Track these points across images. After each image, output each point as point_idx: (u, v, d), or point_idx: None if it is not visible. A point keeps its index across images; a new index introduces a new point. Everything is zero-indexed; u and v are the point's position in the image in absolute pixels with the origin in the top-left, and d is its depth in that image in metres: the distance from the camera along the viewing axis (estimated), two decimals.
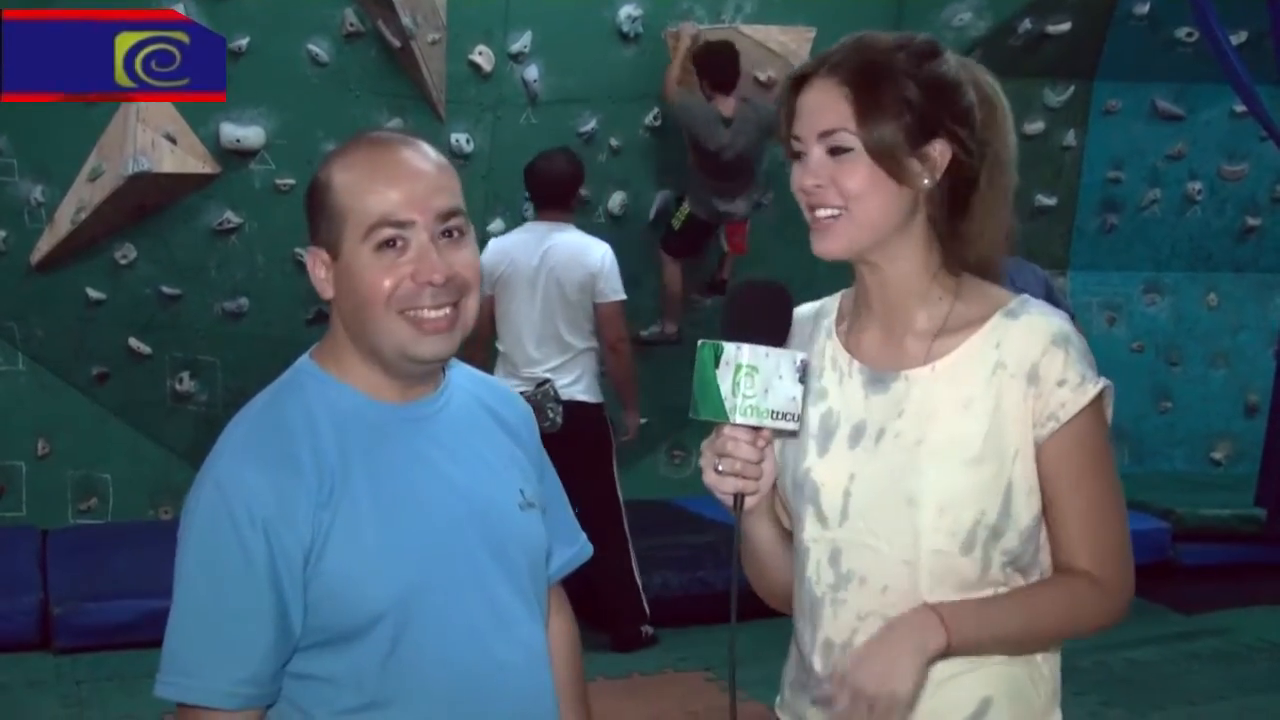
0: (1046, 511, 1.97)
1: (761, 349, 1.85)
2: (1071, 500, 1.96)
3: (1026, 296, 2.02)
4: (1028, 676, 2.01)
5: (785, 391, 1.86)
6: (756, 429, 1.88)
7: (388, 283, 1.92)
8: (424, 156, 1.98)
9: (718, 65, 7.15)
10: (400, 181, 1.93)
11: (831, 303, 2.14)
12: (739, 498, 1.92)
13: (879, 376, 2.01)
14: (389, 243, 1.92)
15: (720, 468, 1.91)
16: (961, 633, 1.90)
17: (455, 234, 1.96)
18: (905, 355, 2.01)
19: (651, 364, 7.91)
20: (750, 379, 1.85)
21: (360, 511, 1.91)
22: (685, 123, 7.24)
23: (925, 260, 2.00)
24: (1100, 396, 1.95)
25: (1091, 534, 1.97)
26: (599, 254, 6.20)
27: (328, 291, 1.97)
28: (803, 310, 2.14)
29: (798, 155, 1.98)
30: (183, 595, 1.92)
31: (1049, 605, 1.97)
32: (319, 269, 1.97)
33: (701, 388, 1.87)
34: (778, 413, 1.86)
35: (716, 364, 1.86)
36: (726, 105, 7.13)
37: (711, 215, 7.47)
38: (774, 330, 1.89)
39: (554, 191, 6.23)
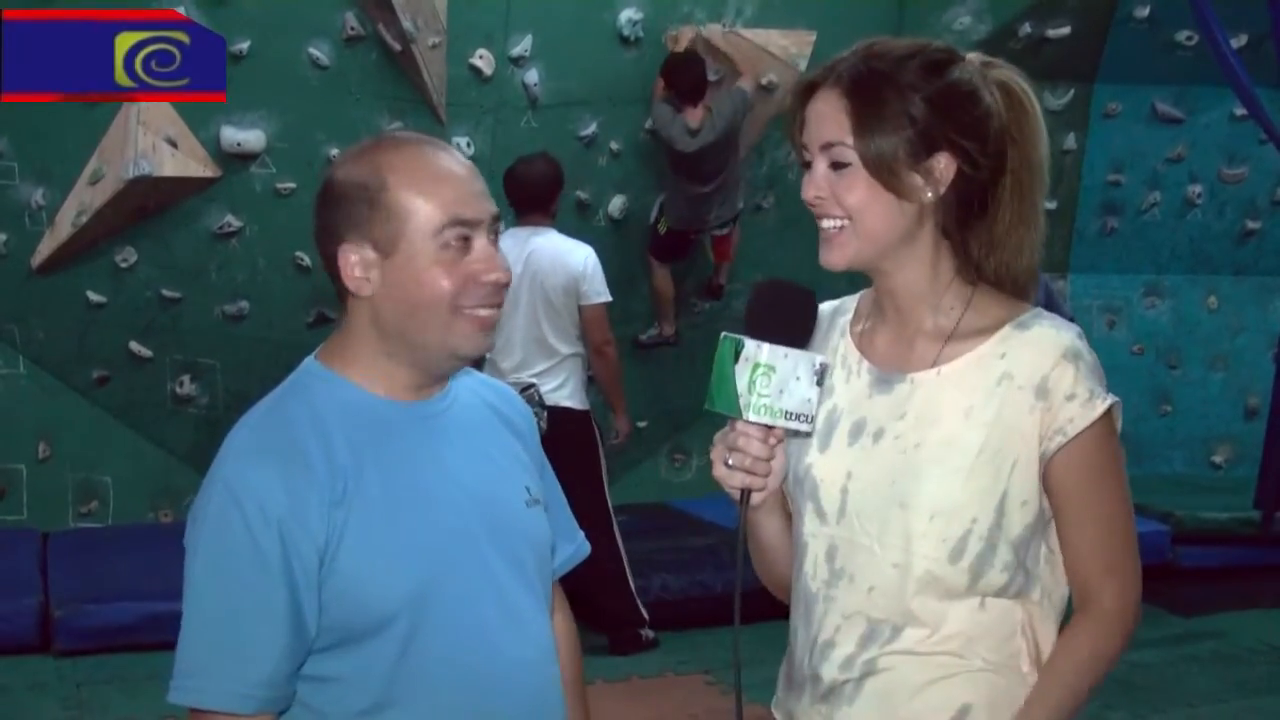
0: (1057, 521, 1.98)
1: (781, 349, 1.87)
2: (1080, 513, 1.97)
3: (1040, 310, 2.01)
4: (1010, 685, 2.00)
5: (801, 393, 1.88)
6: (769, 427, 1.90)
7: (450, 282, 1.93)
8: (461, 160, 2.02)
9: (682, 77, 7.14)
10: (458, 182, 1.96)
11: (850, 301, 2.15)
12: (745, 493, 1.94)
13: (885, 377, 2.02)
14: (456, 242, 1.93)
15: (730, 462, 1.93)
16: None
17: (496, 236, 2.00)
18: (913, 358, 2.01)
19: (651, 367, 7.92)
20: (767, 378, 1.86)
21: (374, 510, 1.91)
22: (658, 128, 7.28)
23: (936, 269, 2.00)
24: (1109, 412, 1.95)
25: (1101, 545, 1.99)
26: (581, 256, 6.17)
27: (366, 289, 1.95)
28: (822, 309, 2.15)
29: (807, 164, 1.99)
30: (195, 599, 1.91)
31: (1080, 666, 2.00)
32: (356, 268, 1.95)
33: (719, 381, 1.89)
34: (791, 414, 1.88)
35: (736, 359, 1.87)
36: (694, 115, 7.14)
37: (680, 222, 7.48)
38: (796, 331, 1.91)
39: (533, 196, 6.17)
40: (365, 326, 1.98)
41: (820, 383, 1.89)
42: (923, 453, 1.95)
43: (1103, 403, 1.94)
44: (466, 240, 1.94)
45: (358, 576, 1.89)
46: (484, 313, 1.96)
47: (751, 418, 1.88)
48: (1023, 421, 1.93)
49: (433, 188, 1.94)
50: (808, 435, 2.00)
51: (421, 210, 1.92)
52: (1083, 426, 1.93)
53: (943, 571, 1.95)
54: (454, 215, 1.93)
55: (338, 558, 1.89)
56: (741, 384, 1.87)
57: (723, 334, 1.90)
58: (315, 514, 1.88)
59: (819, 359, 1.90)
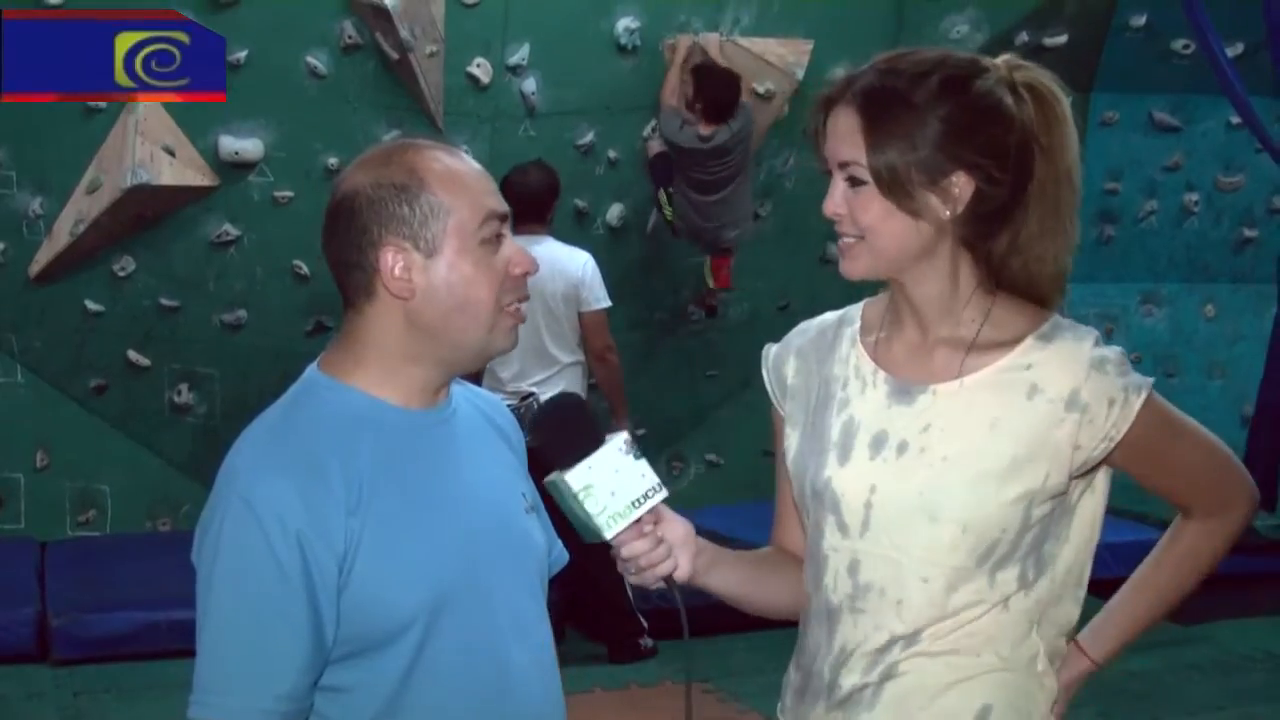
0: (1144, 485, 2.05)
1: (581, 466, 1.90)
2: (1159, 474, 2.04)
3: (1058, 318, 2.00)
4: (1026, 686, 2.01)
5: (631, 478, 1.92)
6: (635, 523, 1.93)
7: (494, 278, 1.96)
8: (473, 161, 2.05)
9: (714, 93, 7.05)
10: (481, 180, 2.00)
11: (854, 311, 2.13)
12: (668, 580, 1.98)
13: (905, 388, 2.00)
14: (492, 238, 1.96)
15: (633, 571, 1.96)
16: (1106, 651, 2.09)
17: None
18: (935, 369, 2.00)
19: (651, 374, 7.92)
20: (592, 496, 1.90)
21: (389, 518, 1.91)
22: (664, 135, 7.24)
23: (955, 282, 1.98)
24: (1147, 399, 1.96)
25: (1193, 485, 2.06)
26: (580, 263, 6.15)
27: (407, 291, 1.94)
28: (825, 319, 2.15)
29: (829, 173, 1.99)
30: (214, 614, 1.88)
31: (1182, 569, 2.10)
32: (399, 269, 1.93)
33: (573, 520, 1.94)
34: (637, 499, 1.92)
35: (565, 498, 1.92)
36: (707, 127, 7.07)
37: (691, 232, 7.41)
38: (581, 440, 1.93)
39: (530, 205, 6.09)
40: (391, 330, 1.96)
41: (639, 455, 1.92)
42: (950, 465, 1.94)
43: (1138, 397, 1.94)
44: (499, 237, 1.97)
45: (375, 585, 1.89)
46: (520, 307, 2.01)
47: (610, 534, 1.92)
48: (1054, 434, 1.93)
49: (464, 186, 1.96)
50: (666, 495, 1.98)
51: (461, 208, 1.94)
52: (1126, 428, 1.94)
53: (971, 575, 1.95)
54: (489, 209, 1.96)
55: (355, 567, 1.88)
56: (581, 512, 1.91)
57: (544, 481, 1.95)
58: (333, 524, 1.87)
59: (622, 437, 1.93)
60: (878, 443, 1.99)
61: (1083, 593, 2.05)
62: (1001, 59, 1.99)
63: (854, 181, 1.93)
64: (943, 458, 1.95)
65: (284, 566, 1.84)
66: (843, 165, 1.94)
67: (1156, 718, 5.85)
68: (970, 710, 1.98)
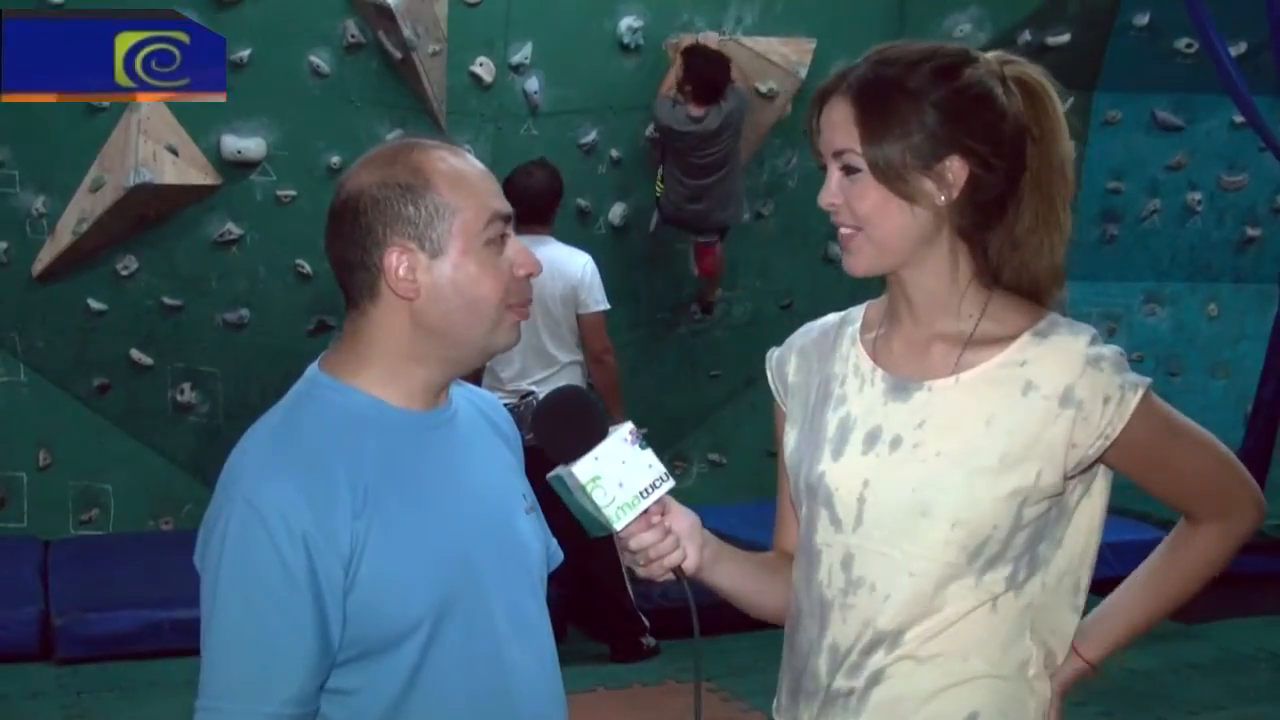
0: (1142, 487, 2.04)
1: (588, 457, 1.89)
2: (1157, 478, 2.02)
3: (1055, 316, 2.01)
4: (1017, 692, 2.01)
5: (638, 469, 1.91)
6: (643, 514, 1.92)
7: (499, 277, 1.96)
8: (477, 161, 2.06)
9: (704, 74, 7.04)
10: (486, 180, 2.00)
11: (857, 311, 2.14)
12: (676, 571, 1.97)
13: (901, 384, 2.01)
14: (497, 238, 1.97)
15: (641, 563, 1.95)
16: (1100, 652, 2.07)
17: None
18: (930, 365, 2.00)
19: (652, 373, 7.93)
20: (601, 488, 1.89)
21: (394, 520, 1.90)
22: (658, 118, 7.23)
23: (953, 273, 1.99)
24: (1144, 398, 1.95)
25: (1194, 490, 2.05)
26: (580, 264, 6.16)
27: (411, 291, 1.94)
28: (828, 319, 2.16)
29: (824, 166, 1.99)
30: (220, 618, 1.87)
31: (1182, 574, 2.09)
32: (403, 269, 1.93)
33: (579, 513, 1.93)
34: (645, 490, 1.91)
35: (571, 491, 1.91)
36: (698, 109, 7.07)
37: (674, 212, 7.38)
38: (588, 432, 1.92)
39: (532, 205, 6.09)
40: (395, 330, 1.96)
41: (644, 446, 1.91)
42: (944, 461, 1.94)
43: (1134, 395, 1.93)
44: (504, 237, 1.97)
45: (381, 589, 1.88)
46: (523, 307, 2.01)
47: (619, 525, 1.91)
48: (1048, 430, 1.93)
49: (469, 186, 1.96)
50: (673, 485, 1.98)
51: (466, 208, 1.94)
52: (1121, 426, 1.93)
53: (958, 574, 1.95)
54: (494, 210, 1.97)
55: (360, 571, 1.87)
56: (589, 506, 1.90)
57: (547, 476, 1.94)
58: (338, 527, 1.86)
59: (625, 428, 1.92)
60: (872, 438, 2.00)
61: (1080, 600, 2.04)
62: (991, 54, 2.01)
63: (849, 170, 1.94)
64: (936, 453, 1.95)
65: (290, 569, 1.83)
66: (837, 154, 1.95)
67: (1158, 717, 5.84)
68: (957, 717, 1.97)
